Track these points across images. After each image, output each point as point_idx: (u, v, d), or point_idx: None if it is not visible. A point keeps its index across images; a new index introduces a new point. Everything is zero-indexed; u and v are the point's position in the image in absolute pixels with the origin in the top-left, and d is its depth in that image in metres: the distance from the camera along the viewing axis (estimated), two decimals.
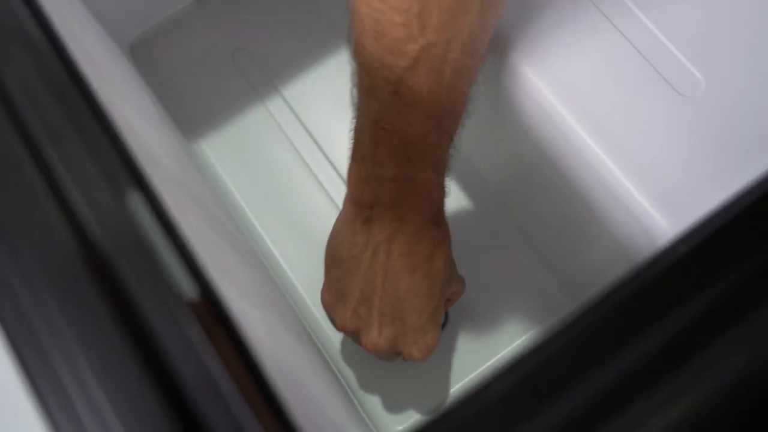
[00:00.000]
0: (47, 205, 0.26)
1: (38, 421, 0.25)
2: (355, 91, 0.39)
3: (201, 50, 0.69)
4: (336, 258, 0.46)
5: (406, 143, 0.38)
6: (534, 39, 0.44)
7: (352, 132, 0.41)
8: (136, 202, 0.29)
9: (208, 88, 0.68)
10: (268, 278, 0.59)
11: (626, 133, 0.40)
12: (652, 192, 0.39)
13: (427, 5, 0.33)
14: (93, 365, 0.26)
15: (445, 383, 0.58)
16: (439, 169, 0.41)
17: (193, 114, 0.67)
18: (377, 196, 0.41)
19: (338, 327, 0.48)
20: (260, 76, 0.68)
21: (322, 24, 0.70)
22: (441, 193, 0.43)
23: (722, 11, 0.40)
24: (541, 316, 0.59)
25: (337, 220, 0.46)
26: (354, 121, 0.41)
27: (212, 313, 0.28)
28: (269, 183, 0.65)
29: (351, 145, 0.42)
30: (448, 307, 0.49)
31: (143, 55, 0.69)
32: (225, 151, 0.66)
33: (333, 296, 0.48)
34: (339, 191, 0.64)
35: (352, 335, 0.48)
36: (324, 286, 0.50)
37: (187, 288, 0.27)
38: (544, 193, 0.53)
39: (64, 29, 0.34)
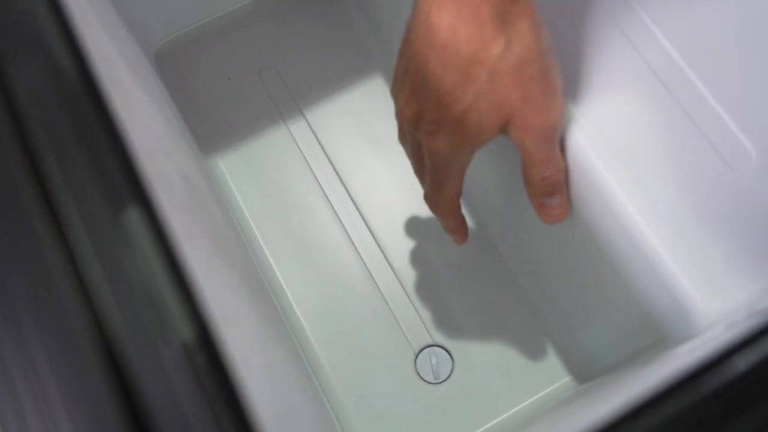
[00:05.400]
0: (37, 217, 0.24)
1: None
2: None
3: (228, 63, 0.68)
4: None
5: None
6: (580, 88, 0.42)
7: None
8: (135, 221, 0.27)
9: (231, 103, 0.66)
10: (270, 305, 0.56)
11: (666, 198, 0.38)
12: (690, 266, 0.36)
13: None
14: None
15: None
16: None
17: (212, 128, 0.65)
18: None
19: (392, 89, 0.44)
20: (285, 96, 0.66)
21: (355, 50, 0.68)
22: None
23: None
24: (547, 381, 0.57)
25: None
26: None
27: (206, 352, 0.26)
28: (282, 207, 0.63)
29: None
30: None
31: (169, 62, 0.68)
32: (241, 169, 0.64)
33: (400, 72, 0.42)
34: (353, 222, 0.62)
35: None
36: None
37: (183, 327, 0.25)
38: (566, 248, 0.50)
39: (87, 33, 0.32)
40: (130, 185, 0.27)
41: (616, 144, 0.39)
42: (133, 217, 0.27)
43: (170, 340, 0.26)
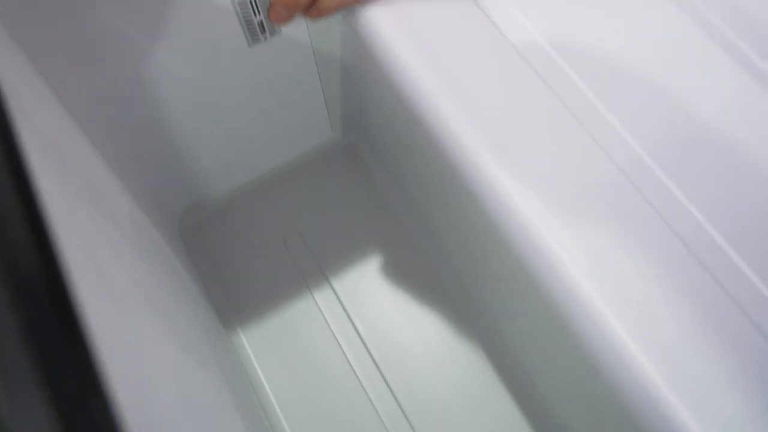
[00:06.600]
0: None
1: None
2: None
3: (252, 231, 0.66)
4: None
5: None
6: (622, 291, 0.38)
7: None
8: None
9: (256, 273, 0.64)
10: None
11: (701, 373, 0.33)
12: None
13: None
14: None
15: None
16: None
17: (236, 300, 0.62)
18: None
19: None
20: (310, 263, 0.64)
21: (378, 209, 0.66)
22: None
23: None
24: None
25: None
26: None
27: None
28: (308, 386, 0.59)
29: None
30: None
31: (192, 227, 0.66)
32: (265, 346, 0.60)
33: None
34: (383, 399, 0.58)
35: None
36: None
37: None
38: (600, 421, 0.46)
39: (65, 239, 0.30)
40: None
41: (643, 318, 0.35)
42: None
43: None
